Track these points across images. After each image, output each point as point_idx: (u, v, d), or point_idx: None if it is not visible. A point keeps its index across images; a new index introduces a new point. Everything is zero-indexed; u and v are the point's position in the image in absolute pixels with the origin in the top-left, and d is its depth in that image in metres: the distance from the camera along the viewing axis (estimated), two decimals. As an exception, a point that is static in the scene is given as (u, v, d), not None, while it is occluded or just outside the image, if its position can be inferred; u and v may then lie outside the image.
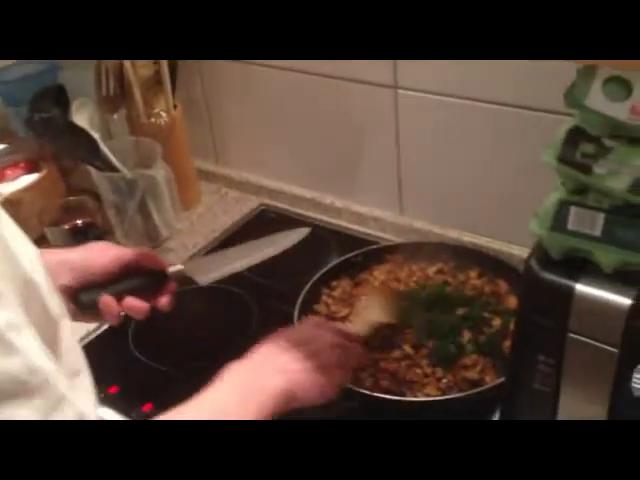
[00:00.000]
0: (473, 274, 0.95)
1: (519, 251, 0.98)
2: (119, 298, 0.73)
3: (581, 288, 0.59)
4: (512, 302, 0.90)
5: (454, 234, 1.04)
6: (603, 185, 0.56)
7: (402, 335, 0.86)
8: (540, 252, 0.62)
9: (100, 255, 0.75)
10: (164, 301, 0.76)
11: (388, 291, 0.90)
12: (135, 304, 0.73)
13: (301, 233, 0.81)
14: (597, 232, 0.58)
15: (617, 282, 0.58)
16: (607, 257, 0.58)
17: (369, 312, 0.83)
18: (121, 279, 0.74)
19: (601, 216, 0.57)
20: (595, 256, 0.59)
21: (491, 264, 0.95)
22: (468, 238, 1.03)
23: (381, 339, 0.84)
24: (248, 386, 0.65)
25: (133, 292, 0.74)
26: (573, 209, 0.59)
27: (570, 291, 0.59)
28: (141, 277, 0.75)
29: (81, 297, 0.72)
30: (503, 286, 0.92)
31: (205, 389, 0.64)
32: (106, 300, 0.72)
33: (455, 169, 1.01)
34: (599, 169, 0.56)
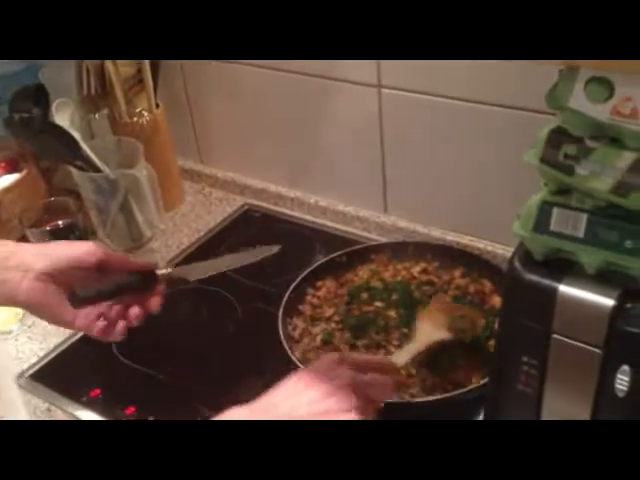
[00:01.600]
0: (457, 273, 0.95)
1: (503, 250, 0.98)
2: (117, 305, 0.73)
3: (564, 289, 0.58)
4: (496, 302, 0.90)
5: (438, 233, 1.04)
6: (586, 186, 0.56)
7: (387, 335, 0.85)
8: (523, 253, 0.62)
9: (72, 246, 0.74)
10: (154, 302, 0.75)
11: (436, 312, 0.86)
12: (137, 311, 0.73)
13: (271, 250, 0.82)
14: (580, 233, 0.58)
15: (600, 283, 0.58)
16: (590, 258, 0.58)
17: (428, 333, 0.81)
18: (108, 277, 0.73)
19: (584, 217, 0.57)
20: (578, 257, 0.59)
21: (475, 263, 0.95)
22: (452, 237, 1.03)
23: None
24: None
25: (125, 290, 0.73)
26: (556, 210, 0.58)
27: (553, 292, 0.59)
28: (132, 275, 0.74)
29: (78, 292, 0.71)
30: (487, 286, 0.92)
31: None
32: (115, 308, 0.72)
33: (439, 168, 1.00)
34: (582, 170, 0.55)
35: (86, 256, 0.72)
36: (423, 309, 0.87)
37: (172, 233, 1.17)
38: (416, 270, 0.96)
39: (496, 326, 0.85)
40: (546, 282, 0.59)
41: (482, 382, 0.77)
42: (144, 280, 0.75)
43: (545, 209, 0.59)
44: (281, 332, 0.86)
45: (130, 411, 0.84)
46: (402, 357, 0.76)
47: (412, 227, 1.06)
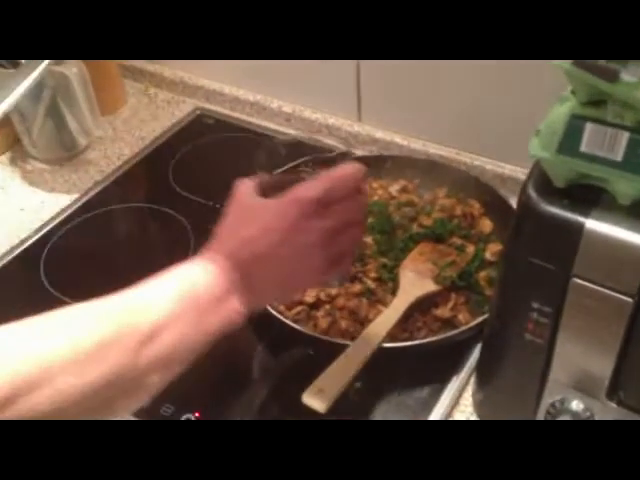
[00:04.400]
0: (441, 193, 0.84)
1: (492, 166, 0.88)
2: None
3: (592, 224, 0.49)
4: (486, 226, 0.81)
5: (419, 146, 0.93)
6: (631, 96, 0.45)
7: (363, 266, 0.75)
8: (540, 179, 0.52)
9: None
10: None
11: (422, 259, 0.75)
12: None
13: None
14: (618, 156, 0.48)
15: (636, 217, 0.48)
16: (628, 187, 0.48)
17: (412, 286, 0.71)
18: None
19: (625, 135, 0.47)
20: (611, 185, 0.49)
21: (462, 181, 0.85)
22: (435, 150, 0.92)
23: None
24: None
25: None
26: (589, 126, 0.48)
27: (578, 228, 0.49)
28: None
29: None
30: (476, 207, 0.82)
31: None
32: None
33: (421, 72, 0.88)
34: (628, 76, 0.45)
35: None
36: (405, 247, 0.76)
37: (112, 141, 1.03)
38: (394, 189, 0.86)
39: (486, 255, 0.76)
40: (569, 215, 0.50)
41: (474, 322, 0.67)
42: None
43: (575, 125, 0.48)
44: (241, 262, 0.74)
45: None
46: (384, 326, 0.66)
47: (389, 138, 0.96)
